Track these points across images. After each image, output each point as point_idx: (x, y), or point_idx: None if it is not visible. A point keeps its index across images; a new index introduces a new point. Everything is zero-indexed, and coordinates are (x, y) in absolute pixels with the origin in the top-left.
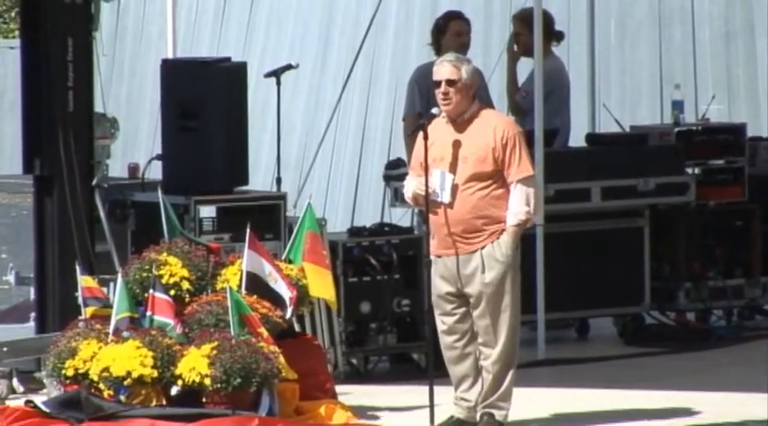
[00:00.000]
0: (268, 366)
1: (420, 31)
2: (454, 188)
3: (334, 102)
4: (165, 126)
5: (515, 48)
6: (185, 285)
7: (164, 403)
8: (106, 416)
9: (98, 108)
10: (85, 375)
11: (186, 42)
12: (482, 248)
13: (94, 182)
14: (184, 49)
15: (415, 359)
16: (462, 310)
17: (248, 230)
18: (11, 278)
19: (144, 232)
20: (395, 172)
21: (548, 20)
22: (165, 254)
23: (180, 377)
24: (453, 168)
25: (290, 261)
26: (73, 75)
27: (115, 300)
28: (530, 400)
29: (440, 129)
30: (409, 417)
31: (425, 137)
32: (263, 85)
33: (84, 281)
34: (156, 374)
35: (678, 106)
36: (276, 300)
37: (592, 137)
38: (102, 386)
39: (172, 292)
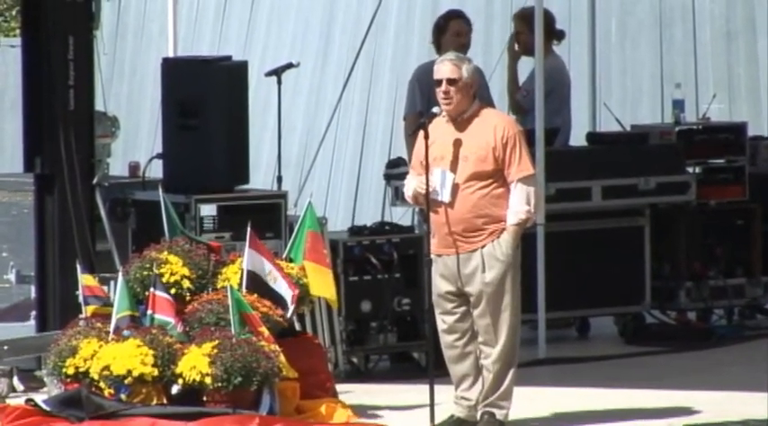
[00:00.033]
0: (269, 365)
1: (421, 30)
2: (455, 187)
3: (334, 101)
4: (165, 124)
5: (516, 47)
6: (186, 283)
7: (164, 401)
8: (107, 415)
9: (99, 106)
10: (86, 373)
11: (187, 41)
12: (482, 247)
13: (95, 181)
14: (185, 48)
15: (416, 358)
16: (463, 309)
17: (249, 229)
18: (11, 276)
19: (145, 230)
20: (395, 171)
21: (548, 19)
22: (165, 253)
23: (180, 375)
24: (454, 167)
25: (291, 260)
26: (74, 74)
27: (116, 299)
28: (530, 399)
29: (440, 128)
30: (410, 416)
31: (426, 136)
32: (263, 84)
33: (85, 280)
34: (156, 372)
35: (679, 105)
36: (276, 299)
37: (592, 136)
38: (102, 384)
39: (172, 291)
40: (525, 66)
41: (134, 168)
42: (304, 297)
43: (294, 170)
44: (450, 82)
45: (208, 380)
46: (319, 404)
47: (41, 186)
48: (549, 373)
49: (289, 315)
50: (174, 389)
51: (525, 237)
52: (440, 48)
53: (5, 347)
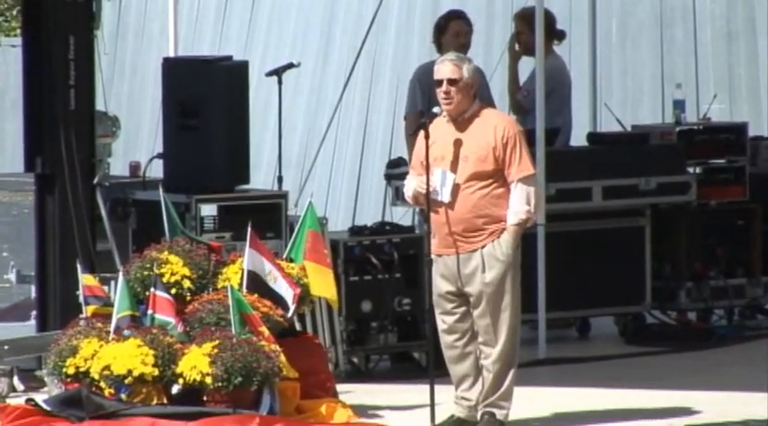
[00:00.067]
0: (269, 364)
1: (421, 30)
2: (455, 187)
3: (335, 101)
4: (166, 124)
5: (517, 47)
6: (186, 283)
7: (164, 401)
8: (107, 415)
9: (99, 106)
10: (86, 373)
11: (188, 40)
12: (482, 247)
13: (96, 181)
14: (186, 47)
15: (416, 357)
16: (462, 309)
17: (249, 229)
18: (12, 276)
19: (145, 230)
20: (396, 171)
21: (549, 19)
22: (166, 253)
23: (181, 375)
24: (454, 167)
25: (292, 260)
26: (74, 74)
27: (116, 299)
28: (530, 399)
29: (441, 128)
30: (410, 416)
31: (426, 136)
32: (264, 84)
33: (86, 280)
34: (156, 372)
35: (679, 105)
36: (277, 299)
37: (593, 137)
38: (102, 384)
39: (173, 291)
40: (526, 66)
41: (135, 168)
42: (304, 297)
43: (295, 170)
44: (451, 82)
45: (208, 380)
46: (320, 404)
47: (42, 186)
48: (550, 373)
49: (289, 314)
50: (175, 389)
51: (526, 237)
52: (440, 47)
53: (6, 347)
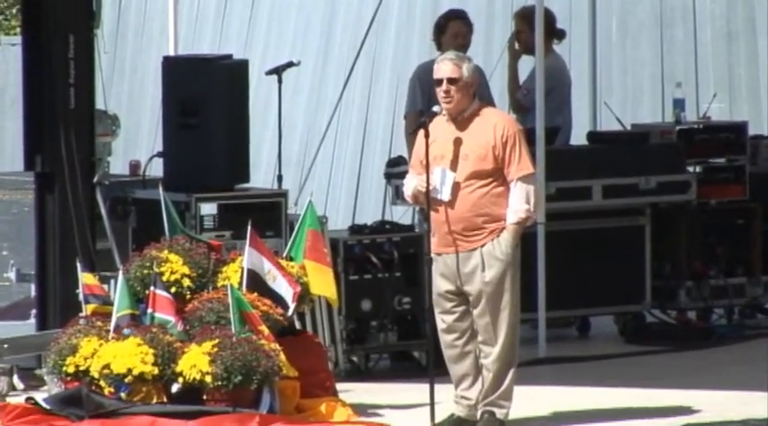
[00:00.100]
0: (269, 363)
1: (421, 29)
2: (455, 186)
3: (335, 100)
4: (166, 123)
5: (516, 46)
6: (186, 282)
7: (164, 400)
8: (107, 413)
9: (99, 105)
10: (86, 372)
11: (188, 39)
12: (482, 246)
13: (95, 179)
14: (186, 46)
15: (416, 356)
16: (462, 308)
17: (249, 227)
18: (12, 275)
19: (145, 229)
20: (396, 169)
21: (549, 18)
22: (166, 252)
23: (181, 374)
24: (454, 166)
25: (291, 259)
26: (74, 72)
27: (116, 297)
28: (530, 398)
29: (440, 127)
30: (410, 415)
31: (426, 135)
32: (264, 83)
33: (85, 278)
34: (156, 371)
35: (679, 104)
36: (277, 298)
37: (593, 136)
38: (102, 383)
39: (173, 289)
40: (526, 65)
41: (134, 167)
42: (304, 295)
43: (294, 168)
44: (451, 81)
45: (208, 379)
46: (319, 403)
47: (42, 184)
48: (550, 372)
49: (289, 313)
50: (175, 388)
51: (526, 236)
52: (440, 47)
53: (6, 345)
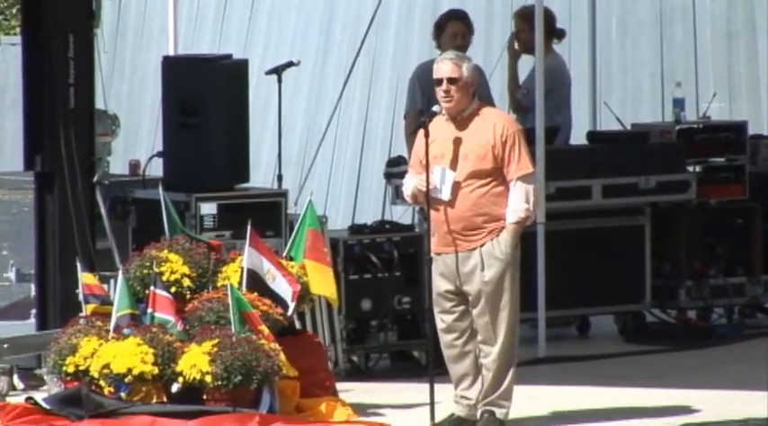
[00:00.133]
0: (269, 363)
1: (421, 28)
2: (454, 185)
3: (335, 99)
4: (166, 123)
5: (516, 45)
6: (186, 282)
7: (164, 400)
8: (107, 413)
9: (99, 105)
10: (86, 372)
11: (187, 39)
12: (481, 246)
13: (95, 179)
14: (185, 46)
15: (416, 356)
16: (461, 308)
17: (249, 227)
18: (11, 274)
19: (145, 229)
20: (396, 169)
21: (549, 17)
22: (165, 251)
23: (181, 374)
24: (453, 166)
25: (291, 259)
26: (74, 72)
27: (116, 297)
28: (530, 397)
29: (440, 127)
30: (410, 414)
31: (426, 135)
32: (264, 82)
33: (85, 278)
34: (156, 371)
35: (679, 104)
36: (276, 298)
37: (593, 135)
38: (102, 382)
39: (173, 289)
40: (525, 64)
41: (134, 166)
42: (304, 295)
43: (294, 168)
44: (451, 81)
45: (208, 379)
46: (319, 403)
47: (41, 184)
48: (549, 372)
49: (289, 313)
50: (174, 387)
51: (525, 236)
52: (440, 46)
53: (5, 345)
